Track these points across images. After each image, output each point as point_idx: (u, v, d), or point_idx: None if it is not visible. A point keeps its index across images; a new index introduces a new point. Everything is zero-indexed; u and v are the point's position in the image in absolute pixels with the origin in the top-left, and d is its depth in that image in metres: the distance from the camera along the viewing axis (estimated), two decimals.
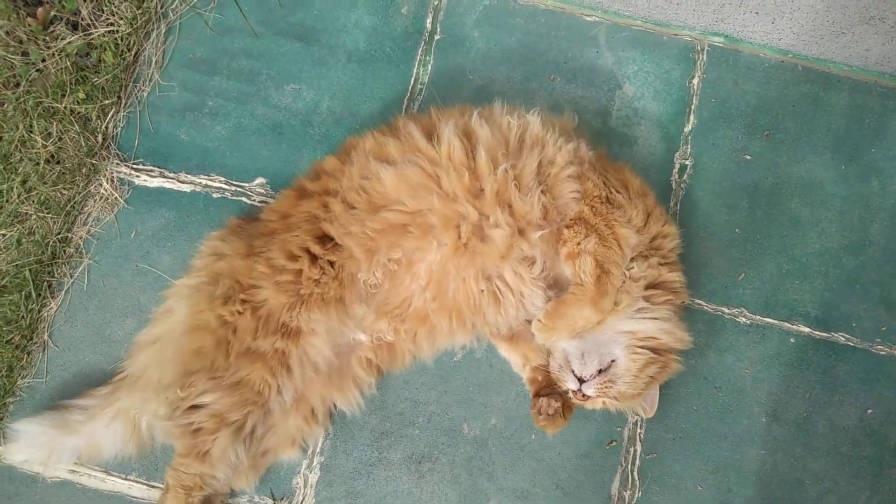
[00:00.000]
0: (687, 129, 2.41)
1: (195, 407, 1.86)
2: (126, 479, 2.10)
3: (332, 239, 1.92)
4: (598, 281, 1.85)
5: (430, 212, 1.84)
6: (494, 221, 1.84)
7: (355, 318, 1.94)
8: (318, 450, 2.14)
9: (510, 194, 1.86)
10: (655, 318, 1.92)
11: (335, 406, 2.11)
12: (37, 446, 1.94)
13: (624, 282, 1.89)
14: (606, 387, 1.91)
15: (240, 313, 1.88)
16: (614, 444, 2.15)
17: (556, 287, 1.97)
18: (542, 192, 1.88)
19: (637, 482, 2.12)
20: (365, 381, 2.07)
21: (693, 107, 2.43)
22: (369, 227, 1.86)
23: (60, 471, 2.08)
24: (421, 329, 1.97)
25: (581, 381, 1.92)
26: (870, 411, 2.20)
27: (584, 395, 1.92)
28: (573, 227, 1.89)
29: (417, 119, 2.02)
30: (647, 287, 1.94)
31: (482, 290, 1.89)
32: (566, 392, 1.98)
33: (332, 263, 1.89)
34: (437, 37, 2.47)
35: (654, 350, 1.92)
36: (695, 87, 2.45)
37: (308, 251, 1.89)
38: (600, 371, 1.91)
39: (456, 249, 1.85)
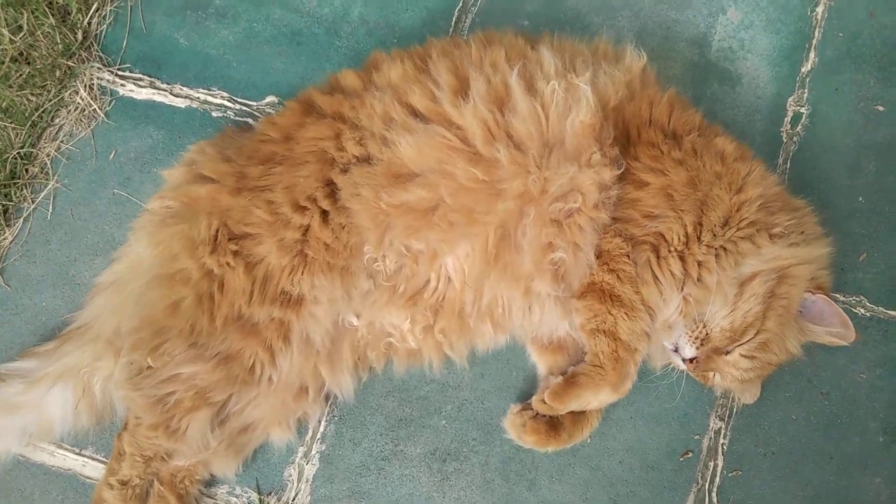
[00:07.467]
0: (805, 69, 2.16)
1: (171, 378, 1.63)
2: (80, 455, 1.86)
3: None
4: (619, 362, 1.69)
5: (445, 204, 1.60)
6: (522, 230, 1.64)
7: (360, 292, 1.70)
8: (318, 436, 1.89)
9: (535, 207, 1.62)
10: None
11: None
12: None
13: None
14: (696, 331, 1.71)
15: (230, 266, 1.62)
16: (690, 455, 1.89)
17: None
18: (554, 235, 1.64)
19: None
20: (357, 373, 1.86)
21: (814, 42, 2.17)
22: (384, 199, 1.61)
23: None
24: (458, 331, 1.78)
25: (676, 349, 1.77)
26: None
27: (691, 361, 1.74)
28: (586, 299, 1.69)
29: (453, 52, 1.75)
30: None
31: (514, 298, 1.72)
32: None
33: (342, 226, 1.66)
34: None
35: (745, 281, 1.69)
36: (818, 16, 2.20)
37: (317, 203, 1.65)
38: None
39: (486, 256, 1.65)
